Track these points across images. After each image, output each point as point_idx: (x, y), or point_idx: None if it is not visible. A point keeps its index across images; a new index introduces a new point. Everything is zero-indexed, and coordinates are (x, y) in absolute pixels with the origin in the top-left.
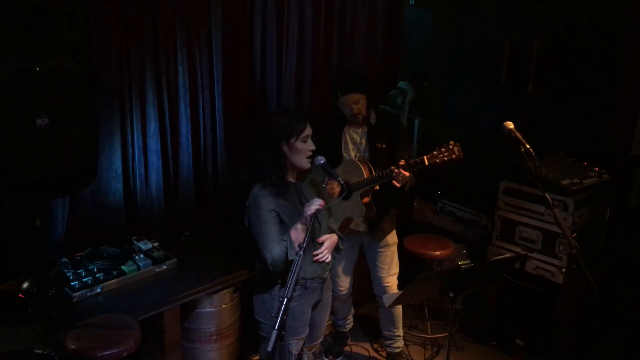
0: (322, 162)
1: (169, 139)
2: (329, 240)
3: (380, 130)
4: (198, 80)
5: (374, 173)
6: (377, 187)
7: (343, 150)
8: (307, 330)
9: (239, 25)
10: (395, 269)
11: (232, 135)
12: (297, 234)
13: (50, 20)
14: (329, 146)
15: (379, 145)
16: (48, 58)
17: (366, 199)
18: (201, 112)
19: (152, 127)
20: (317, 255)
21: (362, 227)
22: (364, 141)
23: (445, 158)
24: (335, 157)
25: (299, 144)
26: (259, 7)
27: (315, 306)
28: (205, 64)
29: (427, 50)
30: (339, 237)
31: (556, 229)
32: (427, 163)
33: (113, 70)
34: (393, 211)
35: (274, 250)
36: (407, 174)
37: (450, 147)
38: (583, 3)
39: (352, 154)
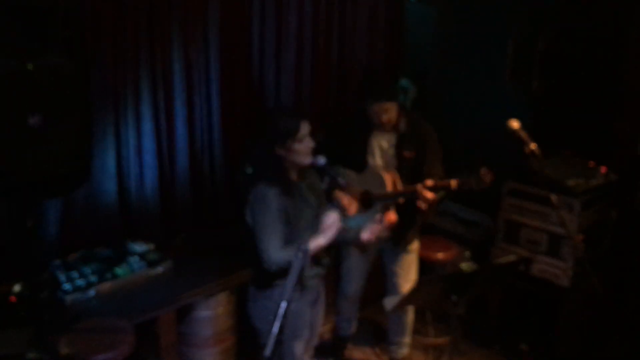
0: (322, 162)
1: (164, 139)
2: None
3: (410, 138)
4: (194, 78)
5: (398, 186)
6: (402, 201)
7: (369, 156)
8: (308, 332)
9: (237, 22)
10: (412, 275)
11: (229, 134)
12: (316, 248)
13: (43, 17)
14: (355, 151)
15: (406, 154)
16: (41, 55)
17: (388, 212)
18: (198, 111)
19: (147, 126)
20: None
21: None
22: (392, 149)
23: (474, 187)
24: (359, 162)
25: (296, 146)
26: (257, 3)
27: (314, 306)
28: (201, 62)
29: (429, 48)
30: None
31: (561, 230)
32: (452, 188)
33: (107, 68)
34: (418, 219)
35: (280, 255)
36: (432, 195)
37: (482, 175)
38: (589, 1)
39: (379, 161)
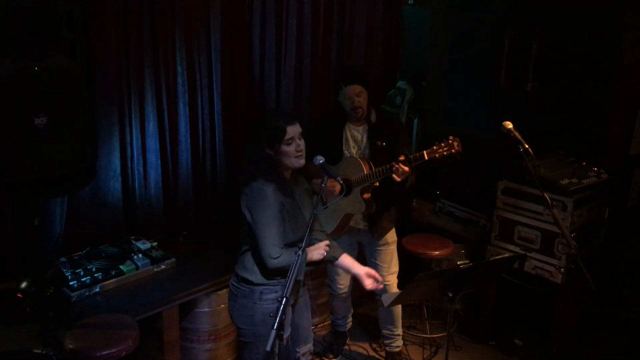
0: (320, 161)
1: (167, 139)
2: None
3: (381, 128)
4: (197, 80)
5: (374, 169)
6: (377, 184)
7: (344, 148)
8: (289, 330)
9: (238, 25)
10: (395, 267)
11: (231, 135)
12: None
13: (48, 20)
14: (330, 143)
15: (379, 143)
16: (47, 57)
17: (366, 195)
18: (200, 111)
19: (151, 126)
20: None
21: (361, 225)
22: (364, 139)
23: (445, 153)
24: (336, 154)
25: (284, 148)
26: (257, 6)
27: (295, 306)
28: (204, 64)
29: (426, 50)
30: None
31: (555, 228)
32: (426, 158)
33: (112, 70)
34: (393, 209)
35: (279, 252)
36: (406, 168)
37: (450, 141)
38: (582, 3)
39: (353, 151)
